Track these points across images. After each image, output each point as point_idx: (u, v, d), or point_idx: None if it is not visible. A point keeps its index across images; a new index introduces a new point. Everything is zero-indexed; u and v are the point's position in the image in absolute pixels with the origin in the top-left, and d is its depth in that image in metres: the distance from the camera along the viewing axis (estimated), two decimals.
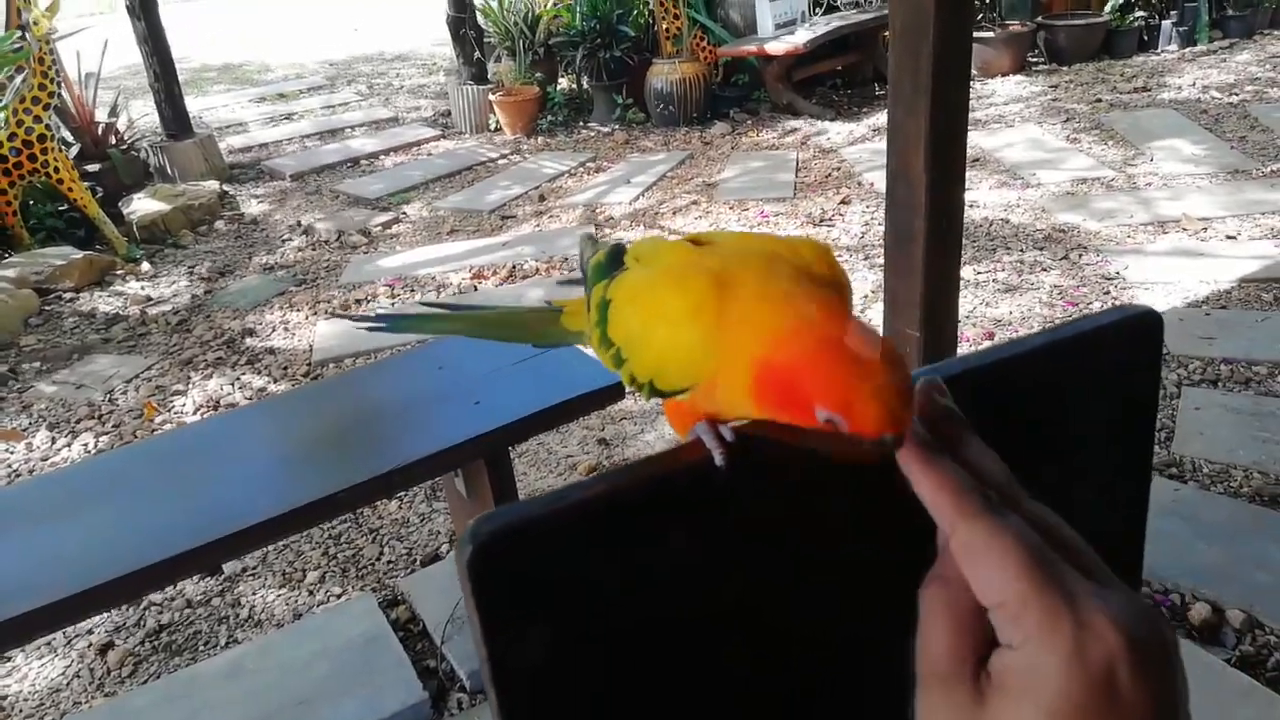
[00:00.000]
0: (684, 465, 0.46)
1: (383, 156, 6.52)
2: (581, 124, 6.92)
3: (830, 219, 4.70)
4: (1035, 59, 7.30)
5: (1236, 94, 5.96)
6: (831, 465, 0.43)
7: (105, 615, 2.47)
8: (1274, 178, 4.60)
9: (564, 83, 7.35)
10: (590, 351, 0.58)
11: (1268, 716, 1.83)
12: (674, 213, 5.00)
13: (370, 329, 0.80)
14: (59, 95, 5.07)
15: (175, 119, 6.14)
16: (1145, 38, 7.28)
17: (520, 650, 0.42)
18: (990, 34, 7.02)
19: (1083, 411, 0.54)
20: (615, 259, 0.57)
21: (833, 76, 7.14)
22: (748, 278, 0.47)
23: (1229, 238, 4.03)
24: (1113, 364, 0.53)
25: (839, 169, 5.42)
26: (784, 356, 0.41)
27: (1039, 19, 7.23)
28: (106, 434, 3.32)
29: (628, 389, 0.54)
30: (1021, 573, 0.37)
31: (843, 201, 4.89)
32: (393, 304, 4.18)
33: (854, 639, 0.50)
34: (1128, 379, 0.54)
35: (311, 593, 2.49)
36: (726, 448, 0.46)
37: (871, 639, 0.50)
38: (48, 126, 4.81)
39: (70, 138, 5.70)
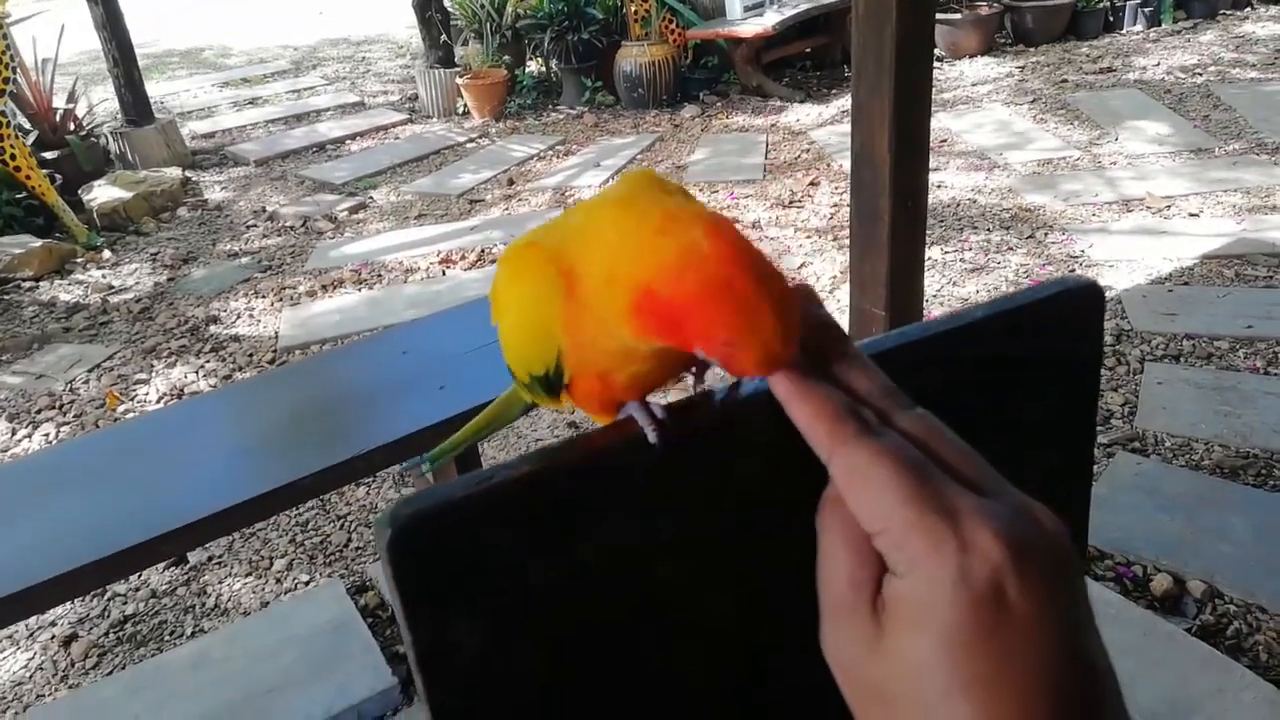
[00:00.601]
0: (616, 441, 0.45)
1: (349, 141, 6.44)
2: (550, 107, 6.87)
3: (799, 201, 4.70)
4: (1003, 40, 7.33)
5: (1200, 74, 6.02)
6: (773, 434, 0.42)
7: (68, 606, 2.44)
8: (1235, 156, 4.65)
9: (532, 66, 7.29)
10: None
11: (1227, 683, 1.86)
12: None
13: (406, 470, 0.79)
14: (14, 81, 4.96)
15: (136, 105, 6.02)
16: (1111, 18, 7.33)
17: (448, 639, 0.41)
18: (958, 15, 7.04)
19: (1027, 382, 0.54)
20: None
21: (802, 59, 7.13)
22: (594, 216, 0.45)
23: (1191, 215, 4.07)
24: (1055, 335, 0.53)
25: (808, 151, 5.42)
26: (666, 289, 0.39)
27: (1006, 0, 7.26)
28: (68, 424, 3.27)
29: (529, 398, 0.54)
30: (901, 497, 0.35)
31: (811, 183, 4.90)
32: (360, 289, 4.13)
33: (804, 617, 0.49)
34: (1071, 350, 0.54)
35: (279, 580, 2.47)
36: (659, 424, 0.45)
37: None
38: (2, 113, 4.70)
39: (27, 124, 5.58)
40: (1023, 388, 0.54)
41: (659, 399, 0.47)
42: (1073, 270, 3.69)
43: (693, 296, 0.39)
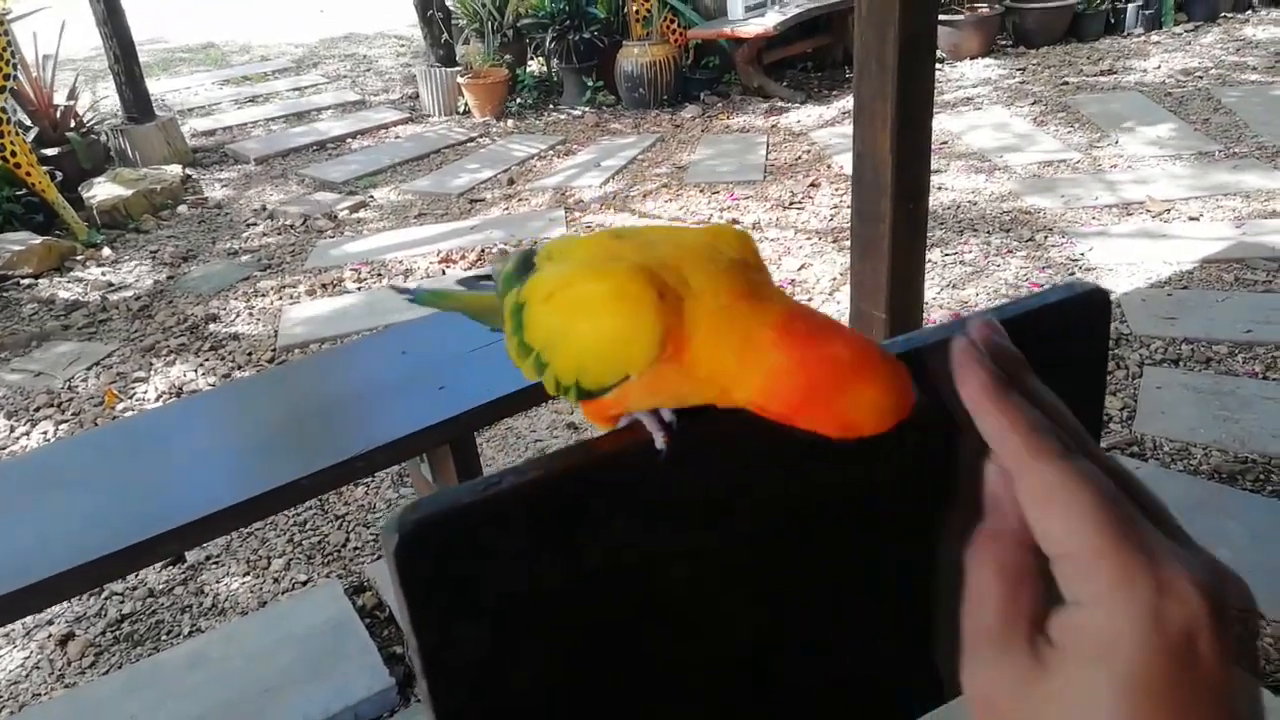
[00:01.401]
0: (623, 447, 0.45)
1: (350, 140, 6.44)
2: (551, 107, 6.87)
3: (800, 202, 4.70)
4: (1004, 42, 7.33)
5: (1201, 77, 6.02)
6: (778, 442, 0.42)
7: (65, 605, 2.43)
8: (1236, 160, 4.65)
9: (533, 65, 7.29)
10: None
11: None
12: (644, 196, 4.98)
13: (407, 299, 0.81)
14: (15, 78, 4.95)
15: (136, 102, 6.02)
16: (1112, 20, 7.33)
17: (454, 644, 0.41)
18: (959, 17, 7.03)
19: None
20: (526, 263, 0.55)
21: (803, 59, 7.13)
22: (697, 271, 0.46)
23: (1191, 219, 4.07)
24: (1060, 341, 0.53)
25: (809, 152, 5.42)
26: (786, 382, 0.41)
27: (1007, 2, 7.26)
28: (66, 422, 3.26)
29: (554, 395, 0.52)
30: (1097, 523, 0.33)
31: (812, 184, 4.89)
32: (359, 288, 4.13)
33: (808, 622, 0.49)
34: (1076, 356, 0.53)
35: (276, 580, 2.47)
36: (667, 430, 0.45)
37: (826, 620, 0.49)
38: (3, 109, 4.70)
39: (28, 121, 5.58)
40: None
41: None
42: (1073, 274, 3.69)
43: (809, 380, 0.41)
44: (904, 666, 0.49)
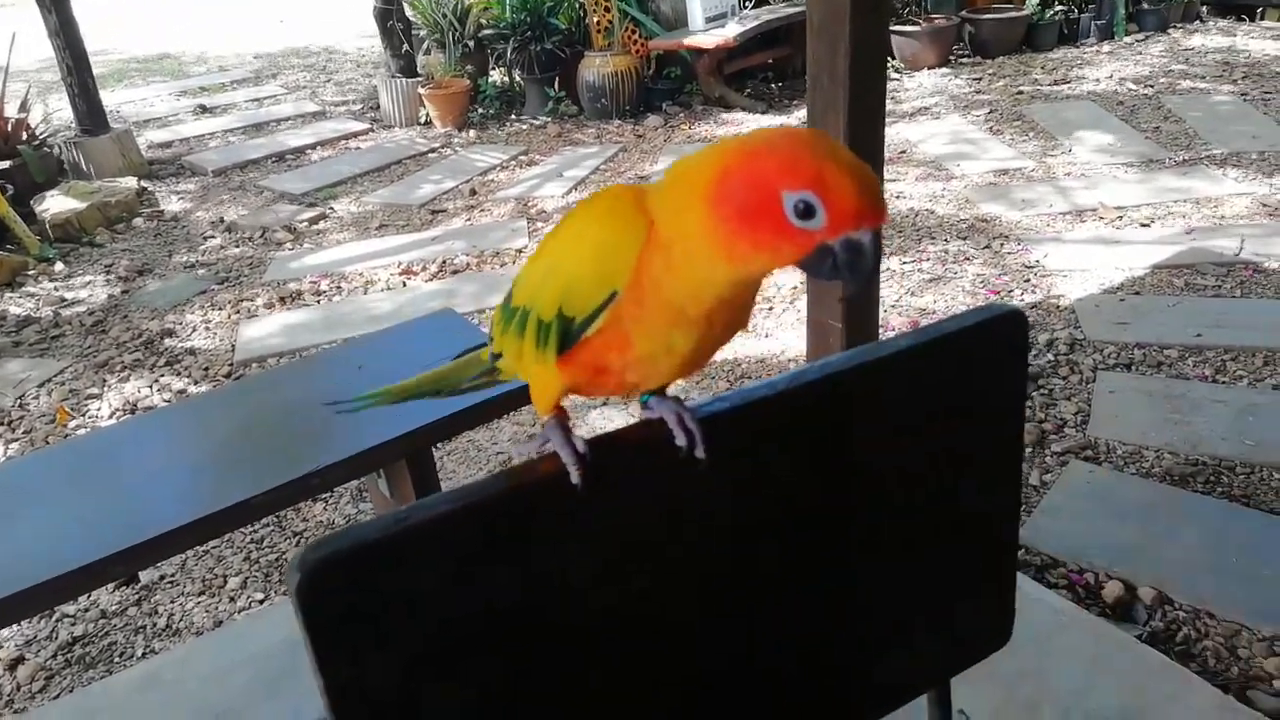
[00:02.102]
0: (537, 480, 0.44)
1: (309, 151, 6.38)
2: (514, 117, 6.85)
3: None
4: (960, 52, 7.44)
5: (1151, 86, 6.15)
6: (694, 469, 0.42)
7: (14, 628, 2.38)
8: (1185, 167, 4.75)
9: (495, 75, 7.27)
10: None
11: (1176, 689, 1.89)
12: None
13: (338, 411, 0.81)
14: None
15: (90, 114, 5.92)
16: (1065, 31, 7.47)
17: (362, 683, 0.41)
18: (916, 28, 7.13)
19: (954, 405, 0.55)
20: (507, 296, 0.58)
21: (764, 70, 7.19)
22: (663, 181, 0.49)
23: (1143, 225, 4.15)
24: (980, 360, 0.53)
25: None
26: (740, 154, 0.40)
27: (964, 13, 7.36)
28: (17, 440, 3.19)
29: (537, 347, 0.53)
30: None
31: None
32: (319, 301, 4.09)
33: (734, 644, 0.49)
34: (996, 374, 0.54)
35: (233, 599, 2.43)
36: (582, 463, 0.44)
37: (753, 640, 0.49)
38: None
39: None
40: (949, 411, 0.55)
41: (587, 430, 0.47)
42: (1029, 280, 3.75)
43: (769, 147, 0.40)
44: (856, 671, 0.49)
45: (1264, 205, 4.23)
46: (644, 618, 0.46)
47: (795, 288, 3.83)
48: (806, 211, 0.37)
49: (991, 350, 0.53)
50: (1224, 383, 2.95)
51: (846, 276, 0.39)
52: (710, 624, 0.44)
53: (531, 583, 0.43)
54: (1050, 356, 3.15)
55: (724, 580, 0.41)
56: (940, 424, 0.53)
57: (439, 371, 0.68)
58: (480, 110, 6.83)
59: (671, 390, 0.56)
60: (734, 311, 0.48)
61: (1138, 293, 3.56)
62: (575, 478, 0.44)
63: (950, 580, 0.56)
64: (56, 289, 4.46)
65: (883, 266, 2.38)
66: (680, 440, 0.46)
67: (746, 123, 6.25)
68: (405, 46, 6.79)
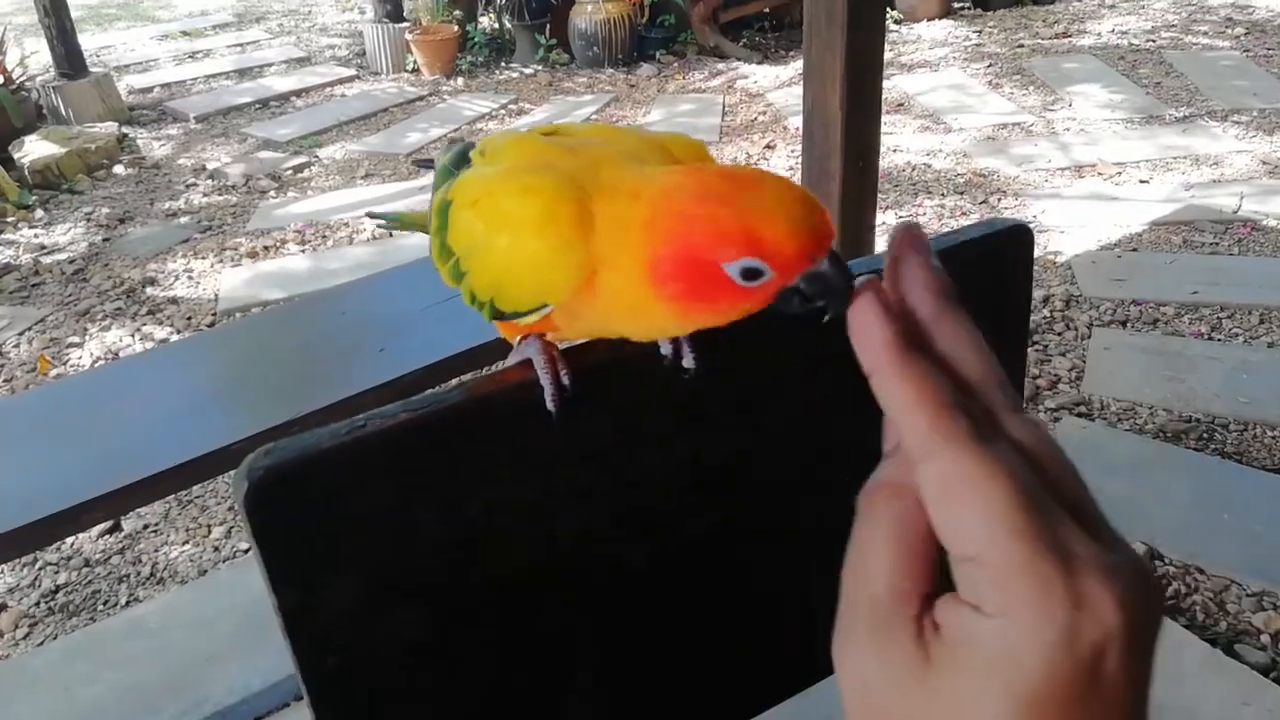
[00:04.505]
0: (508, 388, 0.41)
1: (294, 98, 6.25)
2: (503, 65, 6.72)
3: (756, 163, 4.65)
4: (961, 4, 7.30)
5: (1153, 40, 6.06)
6: (668, 391, 0.38)
7: None
8: (1185, 123, 4.70)
9: (484, 22, 7.11)
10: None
11: (1164, 643, 1.88)
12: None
13: (376, 222, 0.82)
14: None
15: (68, 57, 5.77)
16: None
17: (317, 601, 0.37)
18: None
19: None
20: (461, 158, 0.50)
21: (760, 19, 7.05)
22: (612, 175, 0.41)
23: (1142, 182, 4.11)
24: (984, 278, 0.50)
25: (765, 113, 5.37)
26: (660, 235, 0.35)
27: None
28: None
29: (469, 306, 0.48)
30: (1010, 525, 0.29)
31: (768, 146, 4.85)
32: (303, 250, 4.02)
33: (697, 583, 0.45)
34: (1000, 292, 0.51)
35: (217, 549, 2.41)
36: (560, 391, 0.41)
37: (713, 586, 0.46)
38: None
39: None
40: None
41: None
42: None
43: (694, 212, 0.34)
44: (800, 629, 0.46)
45: (1264, 163, 4.19)
46: (600, 554, 0.43)
47: None
48: (752, 274, 0.34)
49: (996, 265, 0.50)
50: (1219, 340, 2.93)
51: (821, 305, 0.36)
52: (674, 566, 0.40)
53: (495, 500, 0.40)
54: (1046, 313, 3.12)
55: (696, 515, 0.38)
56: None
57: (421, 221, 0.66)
58: (469, 58, 6.69)
59: None
60: None
61: (1135, 249, 3.53)
62: (551, 405, 0.40)
63: None
64: (36, 236, 4.38)
65: (878, 221, 2.33)
66: (665, 349, 0.42)
67: (742, 71, 6.14)
68: None
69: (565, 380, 0.42)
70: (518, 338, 0.44)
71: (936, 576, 0.31)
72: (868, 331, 0.32)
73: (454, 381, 1.97)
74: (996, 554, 0.29)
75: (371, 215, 0.81)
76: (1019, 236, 0.50)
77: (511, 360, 0.43)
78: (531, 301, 0.42)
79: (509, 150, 0.47)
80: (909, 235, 0.35)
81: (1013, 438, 0.31)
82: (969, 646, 0.30)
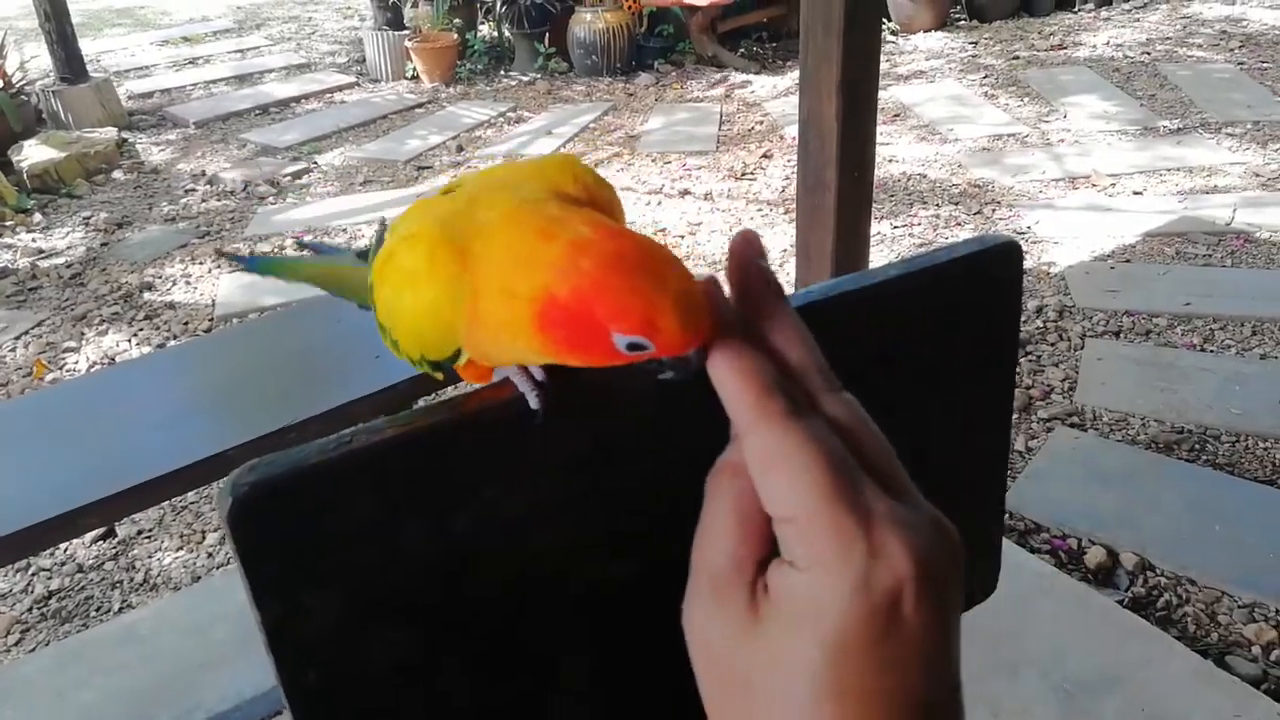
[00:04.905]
0: (494, 403, 0.41)
1: (294, 104, 6.26)
2: (502, 73, 6.74)
3: (752, 173, 4.67)
4: (957, 15, 7.34)
5: (1148, 52, 6.09)
6: (660, 398, 0.39)
7: None
8: (1180, 135, 4.72)
9: (484, 30, 7.14)
10: None
11: (1156, 654, 1.89)
12: (596, 165, 4.91)
13: (235, 268, 0.75)
14: None
15: (69, 62, 5.78)
16: None
17: (301, 618, 0.38)
18: None
19: (941, 344, 0.52)
20: (381, 237, 0.52)
21: (758, 29, 7.08)
22: (491, 215, 0.42)
23: (1135, 194, 4.13)
24: (972, 295, 0.50)
25: (762, 122, 5.39)
26: (566, 285, 0.37)
27: None
28: None
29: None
30: (817, 488, 0.33)
31: (765, 155, 4.87)
32: (302, 257, 4.03)
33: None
34: (988, 310, 0.51)
35: (211, 555, 2.41)
36: (540, 389, 0.42)
37: None
38: None
39: None
40: (935, 349, 0.52)
41: None
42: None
43: (594, 279, 0.36)
44: None
45: (1256, 175, 4.21)
46: (590, 569, 0.43)
47: (785, 250, 3.79)
48: (637, 347, 0.37)
49: (985, 282, 0.50)
50: (1212, 351, 2.94)
51: (669, 376, 0.39)
52: (667, 579, 0.41)
53: (484, 516, 0.40)
54: (1039, 323, 3.14)
55: (687, 513, 0.38)
56: (929, 357, 0.50)
57: (339, 270, 0.64)
58: (468, 65, 6.71)
59: None
60: None
61: (1128, 260, 3.54)
62: (535, 403, 0.41)
63: None
64: (34, 240, 4.38)
65: (874, 231, 2.34)
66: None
67: (739, 82, 6.16)
68: None
69: (540, 377, 0.43)
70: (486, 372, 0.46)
71: (771, 545, 0.35)
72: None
73: (445, 392, 1.98)
74: (805, 514, 0.33)
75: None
76: (1009, 253, 0.51)
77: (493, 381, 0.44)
78: (449, 346, 0.43)
79: (408, 216, 0.48)
80: (745, 240, 0.40)
81: (828, 414, 0.36)
82: (786, 600, 0.34)
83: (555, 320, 0.37)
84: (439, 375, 0.47)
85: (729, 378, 0.36)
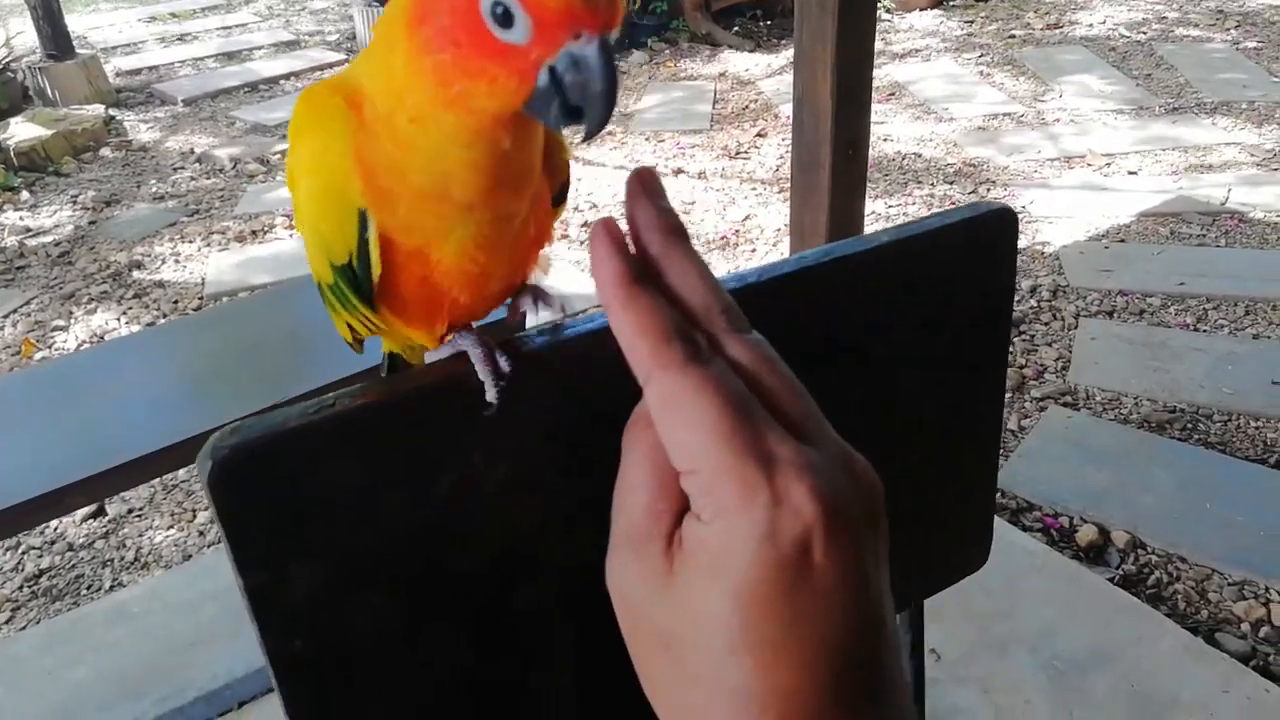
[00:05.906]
0: (471, 367, 0.40)
1: (283, 81, 6.20)
2: None
3: (746, 151, 4.65)
4: None
5: (1144, 32, 6.06)
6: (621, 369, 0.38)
7: None
8: (1175, 115, 4.70)
9: None
10: None
11: (1146, 631, 1.90)
12: (588, 143, 4.88)
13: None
14: None
15: (55, 38, 5.72)
16: None
17: (284, 584, 0.37)
18: None
19: (936, 310, 0.51)
20: None
21: (752, 7, 7.02)
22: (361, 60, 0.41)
23: (1130, 173, 4.11)
24: (967, 261, 0.50)
25: (756, 101, 5.36)
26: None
27: None
28: None
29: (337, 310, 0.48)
30: (716, 438, 0.32)
31: (759, 134, 4.84)
32: (291, 234, 4.00)
33: None
34: (982, 277, 0.51)
35: (202, 533, 2.40)
36: (498, 376, 0.40)
37: None
38: None
39: None
40: (932, 311, 0.51)
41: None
42: None
43: None
44: None
45: (1251, 155, 4.20)
46: (575, 538, 0.43)
47: (779, 229, 3.78)
48: (505, 18, 0.32)
49: (979, 249, 0.50)
50: (1205, 331, 2.95)
51: (578, 104, 0.34)
52: None
53: (465, 479, 0.39)
54: (1033, 302, 3.13)
55: None
56: (922, 324, 0.49)
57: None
58: None
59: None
60: (516, 181, 0.40)
61: (1123, 240, 3.53)
62: (491, 395, 0.39)
63: (927, 493, 0.53)
64: (21, 218, 4.34)
65: (868, 210, 2.28)
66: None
67: (734, 61, 6.12)
68: None
69: (505, 367, 0.41)
70: (445, 339, 0.44)
71: (685, 504, 0.34)
72: (600, 267, 0.35)
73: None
74: (707, 463, 0.32)
75: None
76: (1003, 220, 0.50)
77: (445, 353, 0.43)
78: (345, 216, 0.40)
79: None
80: (641, 180, 0.37)
81: (730, 357, 0.34)
82: (697, 553, 0.33)
83: (425, 12, 0.34)
84: (368, 315, 0.44)
85: (625, 326, 0.34)
